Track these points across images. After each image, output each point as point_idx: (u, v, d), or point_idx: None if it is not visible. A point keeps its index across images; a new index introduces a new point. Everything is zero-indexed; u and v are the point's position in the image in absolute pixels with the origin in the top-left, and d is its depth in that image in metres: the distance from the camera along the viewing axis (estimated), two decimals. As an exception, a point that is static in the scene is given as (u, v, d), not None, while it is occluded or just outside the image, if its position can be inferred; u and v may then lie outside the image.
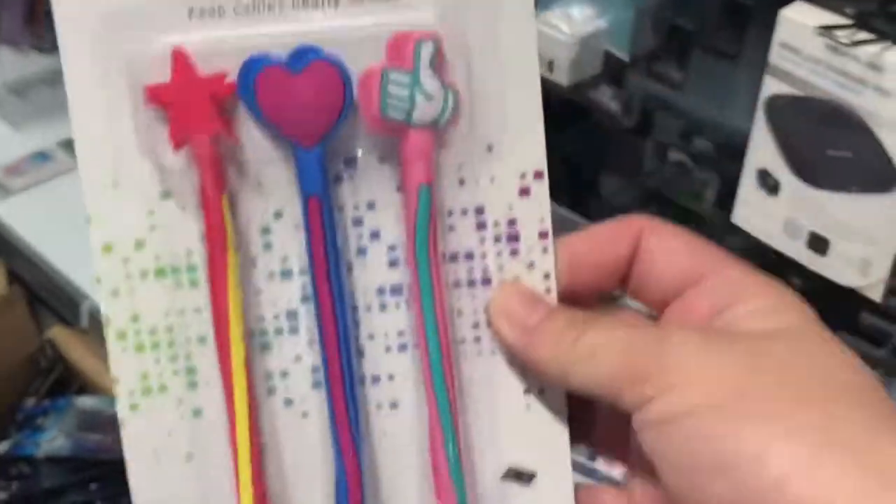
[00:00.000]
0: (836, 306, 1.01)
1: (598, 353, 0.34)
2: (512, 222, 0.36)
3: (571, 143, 1.18)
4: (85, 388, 1.35)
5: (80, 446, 1.24)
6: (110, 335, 0.36)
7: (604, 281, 0.37)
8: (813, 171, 0.87)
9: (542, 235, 0.37)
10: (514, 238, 0.37)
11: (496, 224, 0.36)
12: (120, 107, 0.34)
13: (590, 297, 0.38)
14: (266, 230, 0.36)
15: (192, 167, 0.35)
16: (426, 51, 0.34)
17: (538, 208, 0.36)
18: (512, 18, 0.35)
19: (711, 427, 0.31)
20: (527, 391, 0.37)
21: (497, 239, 0.37)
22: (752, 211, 0.93)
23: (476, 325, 0.37)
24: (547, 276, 0.37)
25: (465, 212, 0.36)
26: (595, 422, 0.38)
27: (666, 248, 0.36)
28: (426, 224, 0.35)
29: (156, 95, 0.34)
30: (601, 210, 1.18)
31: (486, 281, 0.37)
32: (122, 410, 0.36)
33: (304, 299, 0.36)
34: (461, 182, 0.36)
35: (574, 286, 0.37)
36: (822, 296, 0.99)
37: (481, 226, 0.36)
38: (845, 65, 0.80)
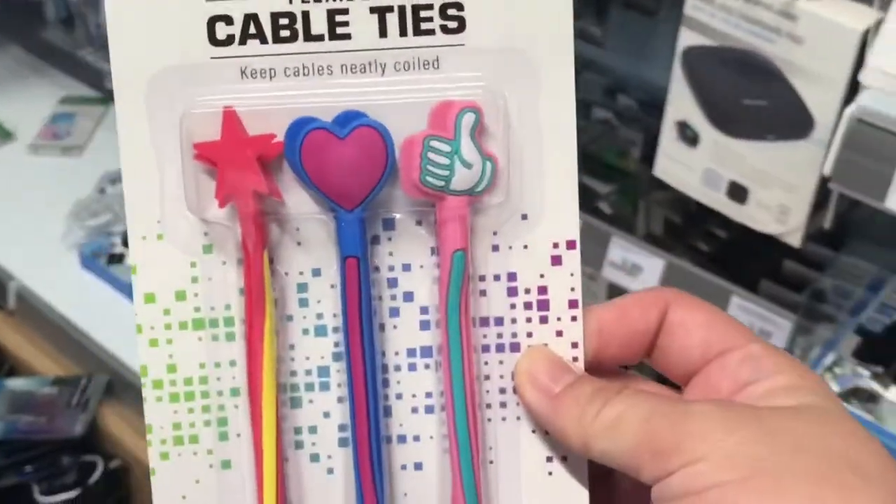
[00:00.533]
0: (758, 254, 1.01)
1: (620, 425, 0.34)
2: (543, 290, 0.37)
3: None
4: (15, 369, 1.34)
5: (12, 428, 1.23)
6: (147, 384, 0.37)
7: (630, 352, 0.38)
8: (730, 120, 0.88)
9: (572, 304, 0.37)
10: (544, 306, 0.37)
11: (527, 291, 0.37)
12: (169, 160, 0.36)
13: (615, 366, 0.38)
14: (303, 287, 0.37)
15: (235, 222, 0.36)
16: (468, 120, 0.35)
17: (569, 277, 0.37)
18: (553, 93, 0.36)
19: (732, 502, 0.32)
20: (549, 458, 0.38)
21: (527, 306, 0.37)
22: (672, 163, 0.93)
23: (503, 391, 0.38)
24: (575, 345, 0.37)
25: (497, 277, 0.37)
26: (616, 490, 0.39)
27: (691, 322, 0.37)
28: (459, 289, 0.36)
29: (204, 153, 0.35)
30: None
31: (515, 347, 0.37)
32: (153, 458, 0.37)
33: (337, 357, 0.37)
34: (495, 248, 0.37)
35: (601, 356, 0.37)
36: (744, 244, 0.99)
37: (512, 292, 0.37)
38: (758, 13, 0.81)
